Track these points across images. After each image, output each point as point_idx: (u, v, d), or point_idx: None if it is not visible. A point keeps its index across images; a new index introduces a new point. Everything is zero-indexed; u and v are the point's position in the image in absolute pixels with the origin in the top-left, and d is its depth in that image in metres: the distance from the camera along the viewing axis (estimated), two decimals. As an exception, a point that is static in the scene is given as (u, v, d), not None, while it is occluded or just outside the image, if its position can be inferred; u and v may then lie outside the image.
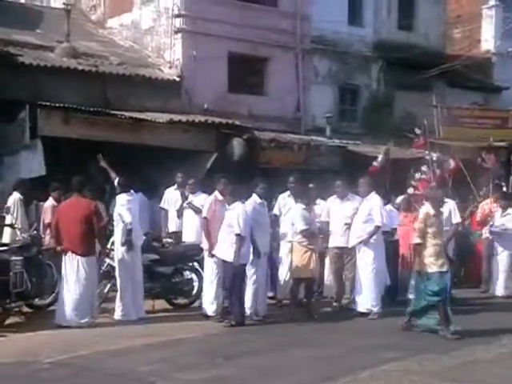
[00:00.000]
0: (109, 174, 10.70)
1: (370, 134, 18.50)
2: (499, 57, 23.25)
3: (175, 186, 12.43)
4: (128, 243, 9.74)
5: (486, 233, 13.14)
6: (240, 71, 17.77)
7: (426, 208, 8.99)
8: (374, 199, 10.51)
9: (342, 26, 19.46)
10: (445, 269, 8.82)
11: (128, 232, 9.72)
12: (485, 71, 23.06)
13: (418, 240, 8.85)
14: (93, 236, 9.49)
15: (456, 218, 11.13)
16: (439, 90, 20.26)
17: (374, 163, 14.53)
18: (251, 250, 9.64)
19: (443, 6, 22.61)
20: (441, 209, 9.18)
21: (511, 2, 23.79)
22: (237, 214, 9.39)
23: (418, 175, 14.47)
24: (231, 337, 8.99)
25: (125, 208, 9.83)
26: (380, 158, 14.73)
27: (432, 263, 8.77)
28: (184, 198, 12.00)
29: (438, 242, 8.87)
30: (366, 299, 10.27)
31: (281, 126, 17.95)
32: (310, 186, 11.38)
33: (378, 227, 10.33)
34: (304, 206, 10.20)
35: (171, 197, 12.36)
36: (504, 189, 14.62)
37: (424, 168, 14.81)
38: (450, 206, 11.02)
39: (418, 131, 16.62)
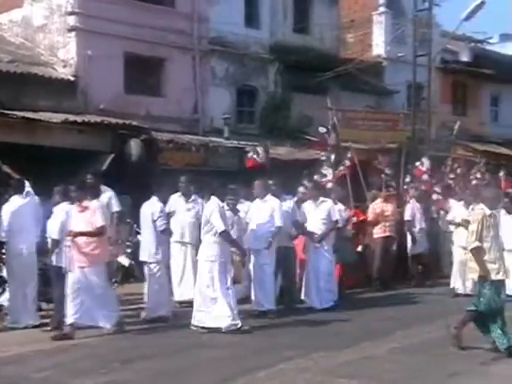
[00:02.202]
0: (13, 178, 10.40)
1: (268, 136, 18.72)
2: (389, 61, 24.10)
3: None
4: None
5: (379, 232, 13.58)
6: (137, 71, 17.58)
7: (482, 209, 8.09)
8: (273, 200, 10.64)
9: (239, 28, 19.64)
10: (505, 276, 8.00)
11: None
12: (377, 75, 23.82)
13: (477, 244, 7.87)
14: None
15: (335, 216, 11.48)
16: (334, 92, 20.78)
17: (255, 157, 14.59)
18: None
19: (337, 10, 23.21)
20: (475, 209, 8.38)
21: (399, 9, 24.69)
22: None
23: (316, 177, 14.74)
24: (129, 340, 8.86)
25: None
26: (260, 154, 14.82)
27: (492, 269, 7.89)
28: None
29: (497, 245, 8.04)
30: (265, 299, 10.38)
31: (179, 127, 17.90)
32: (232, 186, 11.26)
33: (279, 228, 10.48)
34: (226, 207, 9.74)
35: None
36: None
37: (324, 169, 15.12)
38: (328, 205, 11.37)
39: (322, 130, 16.94)
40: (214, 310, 9.21)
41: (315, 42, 21.77)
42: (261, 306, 10.41)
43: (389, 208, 13.70)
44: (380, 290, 13.07)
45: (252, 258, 10.51)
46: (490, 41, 35.80)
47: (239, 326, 9.12)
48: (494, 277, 7.87)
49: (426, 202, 15.25)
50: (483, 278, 7.88)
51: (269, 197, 10.64)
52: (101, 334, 8.99)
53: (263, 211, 10.54)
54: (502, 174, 18.55)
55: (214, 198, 9.53)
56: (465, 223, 12.09)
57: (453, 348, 8.08)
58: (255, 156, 14.61)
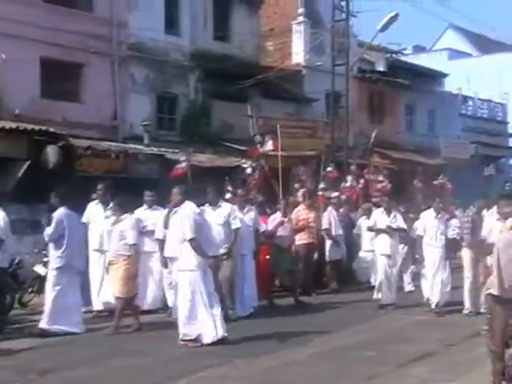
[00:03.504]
0: None
1: (189, 143, 18.65)
2: (308, 70, 24.41)
3: None
4: None
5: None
6: (54, 76, 17.16)
7: None
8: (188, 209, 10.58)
9: (159, 35, 19.49)
10: None
11: None
12: (296, 83, 24.11)
13: None
14: None
15: (259, 225, 11.57)
16: (254, 100, 20.93)
17: (178, 166, 14.54)
18: None
19: (257, 19, 23.36)
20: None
21: (318, 19, 25.10)
22: None
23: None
24: (46, 351, 8.66)
25: None
26: (184, 162, 14.76)
27: None
28: None
29: None
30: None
31: (97, 134, 17.57)
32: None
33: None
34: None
35: None
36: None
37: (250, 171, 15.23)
38: (254, 214, 11.45)
39: (257, 139, 17.07)
40: (198, 323, 8.78)
41: (235, 50, 21.84)
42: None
43: (311, 215, 13.78)
44: (301, 296, 13.16)
45: (170, 266, 10.46)
46: (405, 52, 37.05)
47: (222, 336, 8.75)
48: None
49: (345, 208, 15.55)
50: None
51: (185, 204, 10.58)
52: (13, 348, 8.74)
53: (177, 219, 10.49)
54: (416, 181, 19.21)
55: (190, 204, 9.28)
56: (389, 229, 12.22)
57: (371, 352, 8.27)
58: (182, 165, 14.57)
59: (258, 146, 17.27)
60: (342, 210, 15.19)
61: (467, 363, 7.81)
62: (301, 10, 24.81)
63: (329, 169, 17.39)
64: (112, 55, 18.58)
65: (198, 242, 8.88)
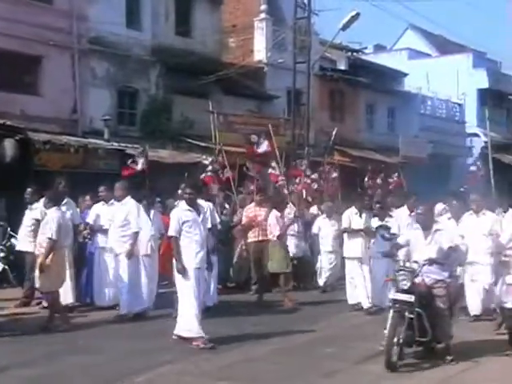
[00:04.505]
0: None
1: (149, 138, 18.53)
2: (270, 67, 24.46)
3: None
4: None
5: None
6: (11, 69, 16.90)
7: None
8: (130, 203, 10.51)
9: (120, 29, 19.32)
10: None
11: None
12: (258, 80, 24.14)
13: None
14: None
15: (216, 220, 11.50)
16: (216, 96, 20.90)
17: (133, 165, 14.33)
18: None
19: (219, 15, 23.33)
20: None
21: (280, 16, 25.15)
22: None
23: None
24: (1, 348, 8.50)
25: None
26: (141, 159, 14.56)
27: None
28: None
29: None
30: (137, 301, 10.26)
31: (57, 128, 17.37)
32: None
33: (136, 233, 10.31)
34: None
35: None
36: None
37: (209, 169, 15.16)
38: (210, 208, 11.36)
39: (253, 139, 16.97)
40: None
41: (197, 46, 21.76)
42: (133, 308, 10.27)
43: (262, 212, 13.54)
44: (257, 293, 13.06)
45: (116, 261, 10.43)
46: (365, 51, 37.37)
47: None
48: None
49: (301, 205, 15.56)
50: None
51: (127, 200, 10.51)
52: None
53: (120, 214, 10.44)
54: (366, 180, 19.42)
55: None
56: (368, 230, 11.87)
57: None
58: (133, 164, 14.32)
59: (255, 146, 17.11)
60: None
61: (421, 360, 7.91)
62: (263, 7, 24.83)
63: (270, 170, 16.82)
64: (72, 48, 18.39)
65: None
